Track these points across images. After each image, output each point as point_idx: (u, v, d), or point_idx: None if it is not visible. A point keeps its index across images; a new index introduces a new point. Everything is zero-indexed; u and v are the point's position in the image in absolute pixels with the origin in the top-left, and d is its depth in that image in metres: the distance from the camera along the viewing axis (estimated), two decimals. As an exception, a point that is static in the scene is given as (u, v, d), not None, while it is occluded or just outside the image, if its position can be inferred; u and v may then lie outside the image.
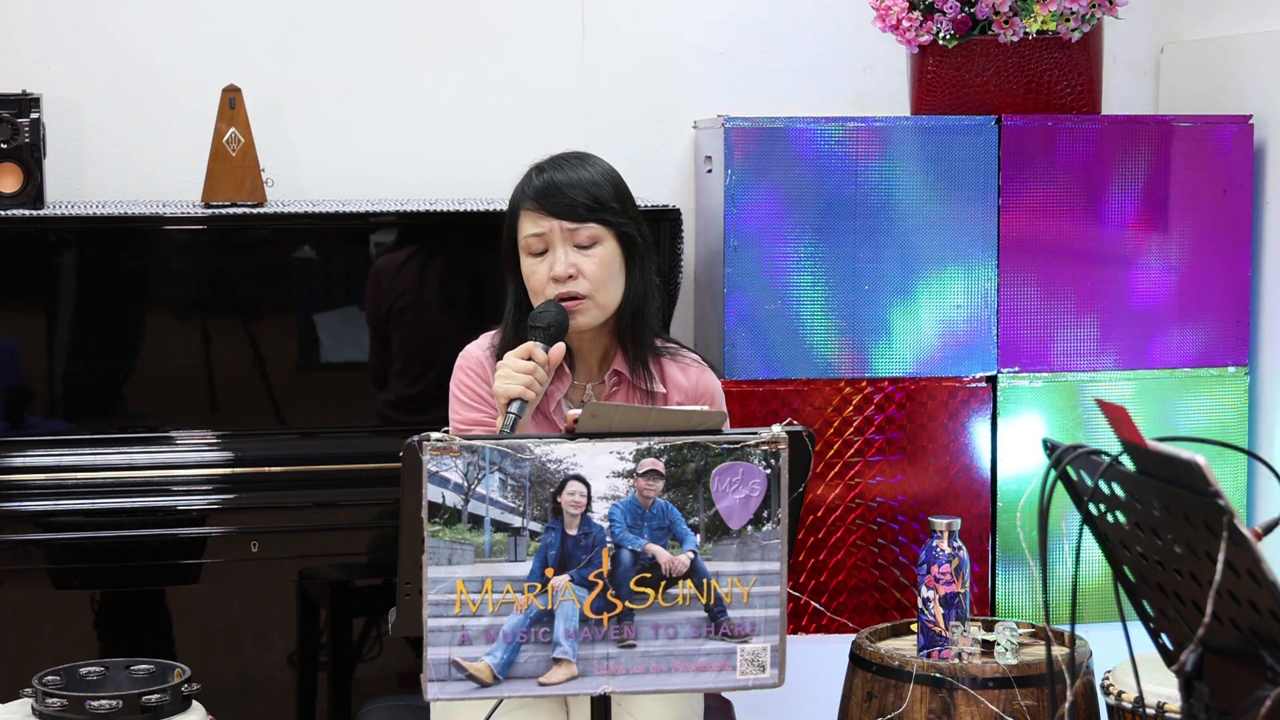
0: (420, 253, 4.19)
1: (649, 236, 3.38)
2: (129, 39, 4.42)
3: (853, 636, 3.83)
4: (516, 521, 2.60)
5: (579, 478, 2.62)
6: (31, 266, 4.05)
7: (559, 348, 3.19)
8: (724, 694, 3.58)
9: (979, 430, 4.22)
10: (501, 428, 3.11)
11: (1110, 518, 2.45)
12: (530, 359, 3.15)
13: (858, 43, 4.63)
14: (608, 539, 2.63)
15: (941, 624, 3.66)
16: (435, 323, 4.19)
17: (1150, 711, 3.49)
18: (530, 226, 3.29)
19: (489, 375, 3.33)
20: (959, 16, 4.18)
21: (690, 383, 3.38)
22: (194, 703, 3.45)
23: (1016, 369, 4.23)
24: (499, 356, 3.30)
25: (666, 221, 4.21)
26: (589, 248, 3.27)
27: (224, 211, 4.11)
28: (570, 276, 3.25)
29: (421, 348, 4.17)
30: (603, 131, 4.57)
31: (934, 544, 3.68)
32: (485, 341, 3.40)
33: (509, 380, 3.13)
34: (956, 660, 3.62)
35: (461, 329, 3.85)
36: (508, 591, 2.60)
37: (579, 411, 2.67)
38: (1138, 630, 2.49)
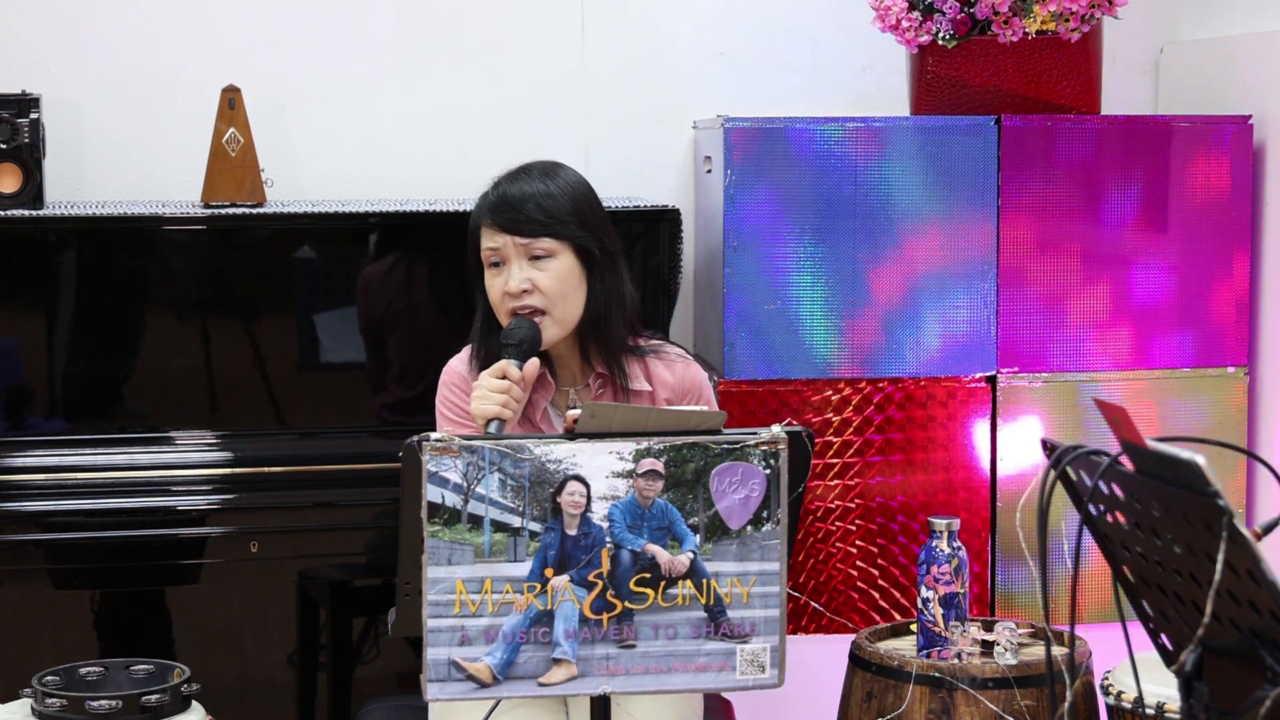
0: (420, 252, 4.19)
1: (614, 245, 3.35)
2: (129, 39, 4.42)
3: (852, 637, 3.83)
4: (516, 522, 2.60)
5: (578, 478, 2.62)
6: (31, 266, 4.05)
7: (533, 363, 3.19)
8: (724, 694, 3.58)
9: (978, 430, 4.22)
10: None
11: (1109, 518, 2.45)
12: (504, 378, 3.15)
13: (857, 43, 4.63)
14: (607, 539, 2.63)
15: (941, 624, 3.66)
16: (435, 323, 4.19)
17: (1150, 712, 3.49)
18: (486, 240, 3.29)
19: (470, 389, 3.33)
20: (958, 17, 4.18)
21: (676, 378, 3.38)
22: (194, 703, 3.45)
23: (1016, 369, 4.23)
24: (479, 371, 3.30)
25: (666, 221, 4.22)
26: (543, 260, 3.26)
27: (224, 211, 4.11)
28: (525, 291, 3.24)
29: (419, 350, 4.16)
30: (602, 131, 4.57)
31: (933, 544, 3.68)
32: (467, 354, 3.40)
33: (485, 400, 3.13)
34: (956, 660, 3.62)
35: (462, 328, 3.85)
36: (507, 592, 2.60)
37: (579, 411, 2.67)
38: (1137, 630, 2.49)
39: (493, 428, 3.10)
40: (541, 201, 3.27)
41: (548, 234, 3.26)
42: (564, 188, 3.31)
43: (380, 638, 4.20)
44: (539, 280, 3.25)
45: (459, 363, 3.40)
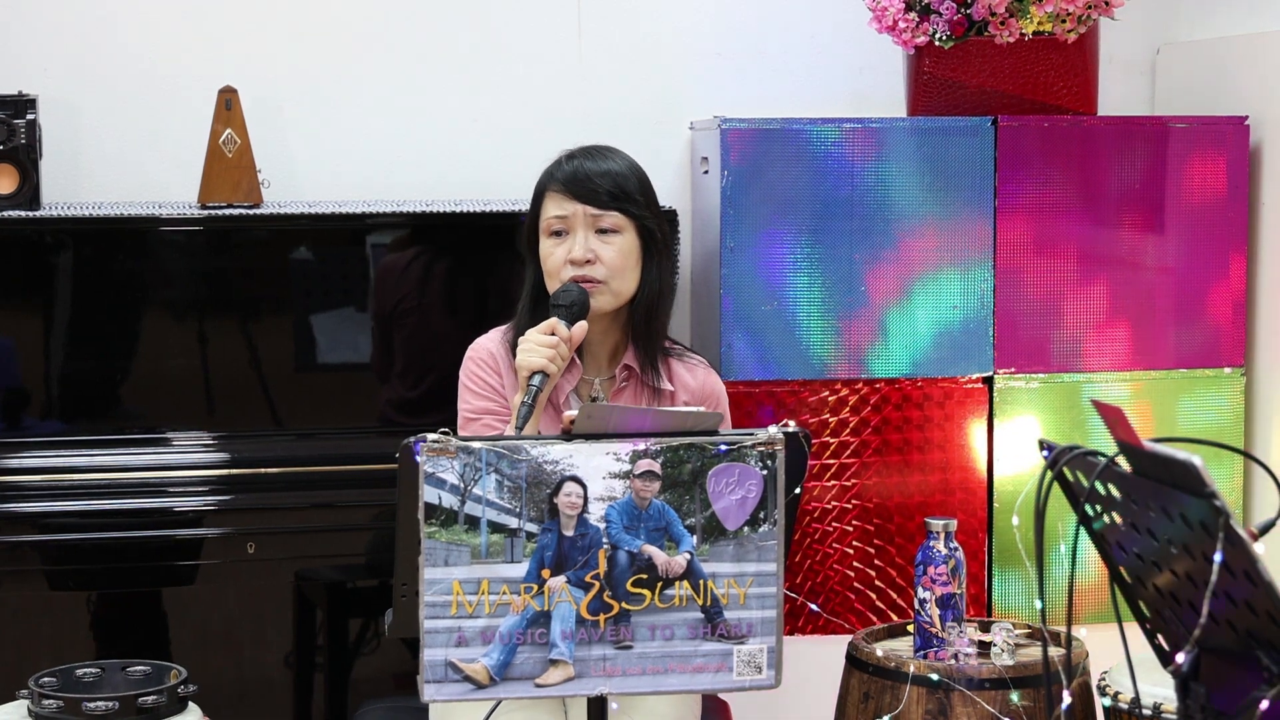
0: (418, 254, 4.19)
1: (668, 234, 3.45)
2: (125, 40, 4.41)
3: (849, 637, 3.83)
4: (513, 523, 2.60)
5: (575, 479, 2.62)
6: (28, 267, 4.05)
7: (581, 326, 3.25)
8: (721, 695, 3.58)
9: (975, 431, 4.22)
10: (521, 401, 3.15)
11: (1106, 519, 2.45)
12: (553, 334, 3.19)
13: (854, 43, 4.62)
14: (604, 540, 2.63)
15: (938, 625, 3.66)
16: (434, 324, 4.19)
17: (1146, 712, 3.49)
18: (554, 209, 3.35)
19: (500, 367, 3.38)
20: (955, 18, 4.18)
21: (697, 383, 3.42)
22: (190, 704, 3.45)
23: (1013, 370, 4.23)
24: (515, 338, 3.33)
25: (663, 222, 4.22)
26: (609, 235, 3.32)
27: (220, 212, 4.11)
28: (588, 261, 3.31)
29: (421, 350, 4.16)
30: (599, 132, 4.53)
31: (930, 545, 3.67)
32: (496, 335, 3.45)
33: (531, 353, 3.18)
34: (953, 661, 3.62)
35: (459, 330, 3.86)
36: (504, 593, 2.60)
37: (576, 412, 2.67)
38: (1134, 631, 2.49)
39: (536, 380, 3.16)
40: (616, 178, 3.37)
41: (618, 208, 3.35)
42: (633, 169, 3.42)
43: (377, 638, 4.20)
44: (603, 252, 3.33)
45: (488, 341, 3.45)
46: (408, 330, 4.18)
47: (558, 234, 3.35)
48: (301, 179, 4.47)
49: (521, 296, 3.45)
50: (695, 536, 2.65)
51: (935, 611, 3.65)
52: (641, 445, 2.63)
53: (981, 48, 4.24)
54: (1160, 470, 2.26)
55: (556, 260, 3.34)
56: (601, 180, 3.34)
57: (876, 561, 4.20)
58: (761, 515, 2.67)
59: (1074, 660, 3.63)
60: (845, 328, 4.17)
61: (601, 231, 3.34)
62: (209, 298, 4.15)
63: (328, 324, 4.19)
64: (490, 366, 3.40)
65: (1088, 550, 2.60)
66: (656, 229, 3.39)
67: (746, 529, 2.67)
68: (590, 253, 3.32)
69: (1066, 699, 2.68)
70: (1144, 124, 4.29)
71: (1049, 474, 2.47)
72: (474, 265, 4.21)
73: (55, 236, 4.05)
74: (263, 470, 4.03)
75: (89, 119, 4.40)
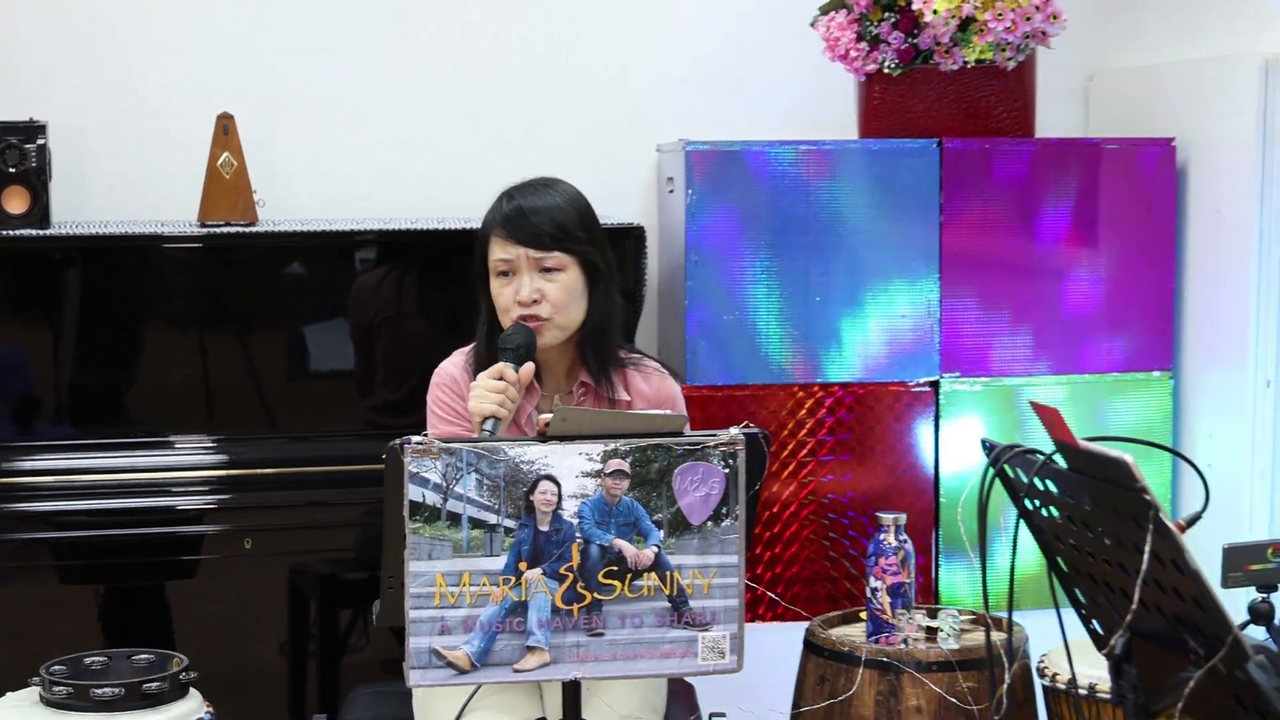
0: (402, 268, 4.18)
1: (612, 260, 3.34)
2: (130, 70, 4.40)
3: (806, 624, 3.83)
4: (492, 519, 2.60)
5: (550, 477, 2.61)
6: (38, 282, 4.03)
7: (528, 367, 3.16)
8: (686, 679, 3.58)
9: (923, 431, 4.23)
10: None
11: (1044, 512, 2.46)
12: (501, 379, 3.13)
13: (810, 71, 4.61)
14: (577, 535, 2.62)
15: (889, 612, 3.66)
16: (417, 332, 4.18)
17: (1082, 692, 3.49)
18: (499, 252, 3.25)
19: (463, 391, 3.31)
20: (903, 47, 4.19)
21: (652, 389, 3.37)
22: (191, 690, 3.44)
23: (957, 374, 4.24)
24: (476, 371, 3.28)
25: (631, 238, 4.21)
26: (553, 273, 3.24)
27: (218, 230, 4.10)
28: (534, 301, 3.22)
29: (404, 355, 4.16)
30: (570, 154, 4.56)
31: (881, 537, 3.68)
32: (459, 358, 3.38)
33: (483, 400, 3.10)
34: (903, 646, 3.62)
35: (441, 338, 3.85)
36: (484, 584, 2.60)
37: (551, 416, 2.66)
38: (1071, 617, 2.50)
39: (489, 425, 3.07)
40: (554, 215, 3.24)
41: (559, 248, 3.23)
42: (573, 202, 3.29)
43: (366, 628, 4.19)
44: (548, 291, 3.22)
45: (451, 365, 3.37)
46: (396, 338, 4.17)
47: (505, 274, 3.25)
48: (294, 199, 4.46)
49: (478, 330, 3.35)
50: (662, 531, 2.65)
51: (886, 600, 3.66)
52: (612, 446, 2.63)
53: (927, 75, 4.24)
54: (1094, 467, 2.26)
55: (505, 300, 3.24)
56: (540, 221, 3.22)
57: (831, 553, 4.20)
58: (724, 511, 2.67)
59: (1015, 644, 3.63)
60: (801, 335, 4.17)
61: (546, 270, 3.23)
62: (208, 310, 4.14)
63: (319, 334, 4.18)
64: (454, 391, 3.34)
65: (1028, 541, 2.60)
66: (599, 260, 3.28)
67: (710, 524, 2.66)
68: (536, 293, 3.21)
69: (1008, 680, 2.68)
70: (1078, 145, 4.30)
71: (991, 471, 2.48)
72: (455, 277, 4.19)
73: (64, 253, 4.03)
74: (259, 471, 4.01)
75: (95, 143, 4.39)
